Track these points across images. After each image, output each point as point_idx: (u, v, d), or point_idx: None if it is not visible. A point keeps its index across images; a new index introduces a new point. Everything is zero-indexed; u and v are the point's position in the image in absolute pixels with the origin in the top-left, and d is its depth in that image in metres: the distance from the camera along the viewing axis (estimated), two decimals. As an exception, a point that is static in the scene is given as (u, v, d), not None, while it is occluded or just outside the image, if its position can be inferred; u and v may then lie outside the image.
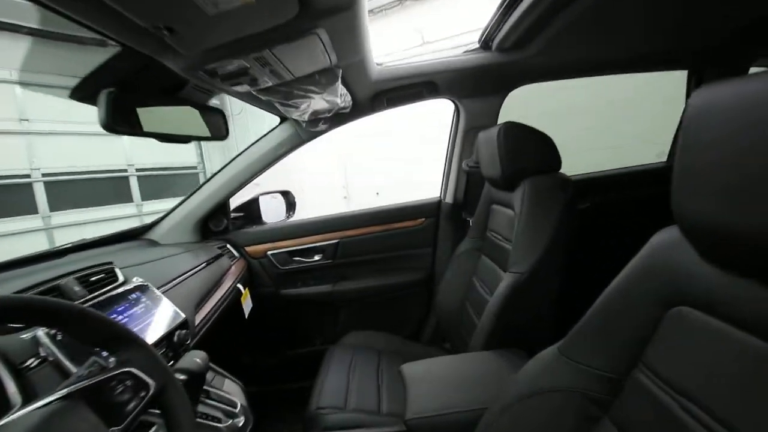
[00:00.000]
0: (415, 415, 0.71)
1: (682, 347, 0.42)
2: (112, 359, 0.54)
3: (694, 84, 1.52)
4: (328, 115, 1.25)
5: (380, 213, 1.63)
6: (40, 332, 0.65)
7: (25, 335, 0.64)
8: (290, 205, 1.82)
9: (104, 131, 0.70)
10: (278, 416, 1.55)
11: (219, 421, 0.83)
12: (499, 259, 1.14)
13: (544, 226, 0.96)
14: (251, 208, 1.71)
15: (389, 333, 1.51)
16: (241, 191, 1.56)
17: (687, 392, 0.40)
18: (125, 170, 5.02)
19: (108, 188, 4.83)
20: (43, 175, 4.12)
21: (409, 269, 1.64)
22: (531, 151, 1.06)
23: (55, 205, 4.21)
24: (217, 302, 1.25)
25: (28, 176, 4.01)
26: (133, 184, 5.14)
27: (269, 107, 1.15)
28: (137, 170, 5.14)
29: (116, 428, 0.48)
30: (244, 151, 1.48)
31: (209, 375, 0.94)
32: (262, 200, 1.70)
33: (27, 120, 4.05)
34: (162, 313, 0.91)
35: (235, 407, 0.89)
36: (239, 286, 1.44)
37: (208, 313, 1.16)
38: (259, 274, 1.61)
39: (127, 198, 5.06)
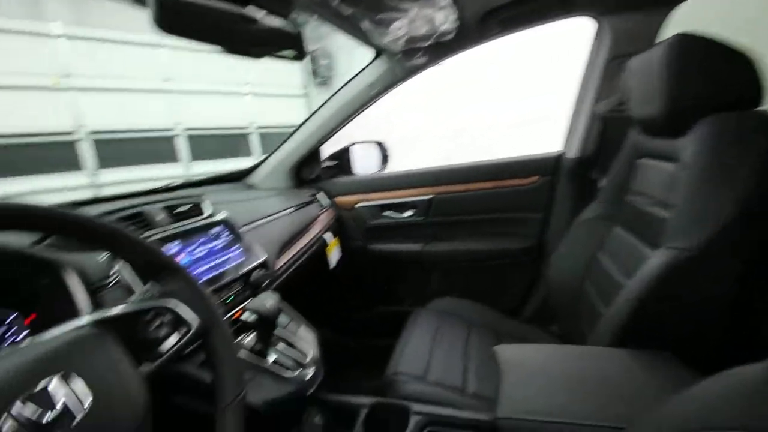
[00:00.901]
0: (512, 415, 0.54)
1: None
2: (154, 290, 0.49)
3: None
4: (427, 44, 1.05)
5: (483, 168, 1.41)
6: (117, 254, 0.64)
7: (102, 255, 0.64)
8: (384, 157, 1.70)
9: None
10: (357, 372, 1.53)
11: (286, 369, 0.77)
12: (643, 230, 0.84)
13: (730, 185, 0.64)
14: (344, 158, 1.64)
15: (483, 304, 1.32)
16: (341, 139, 1.49)
17: None
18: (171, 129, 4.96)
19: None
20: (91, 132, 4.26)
21: (512, 235, 1.40)
22: (716, 75, 0.72)
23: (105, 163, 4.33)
24: (302, 248, 1.21)
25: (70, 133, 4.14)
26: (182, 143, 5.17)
27: (358, 33, 1.00)
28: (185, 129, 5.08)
29: (148, 365, 0.42)
30: (334, 94, 1.38)
31: (284, 320, 0.90)
32: (354, 150, 1.61)
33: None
34: (241, 251, 0.89)
35: (306, 358, 0.83)
36: (326, 235, 1.39)
37: (292, 257, 1.13)
38: (348, 226, 1.55)
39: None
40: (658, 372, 0.58)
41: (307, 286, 1.51)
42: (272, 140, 5.62)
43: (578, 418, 0.51)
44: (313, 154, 1.50)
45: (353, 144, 1.62)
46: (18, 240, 0.57)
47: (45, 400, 0.31)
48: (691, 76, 0.72)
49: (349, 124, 1.41)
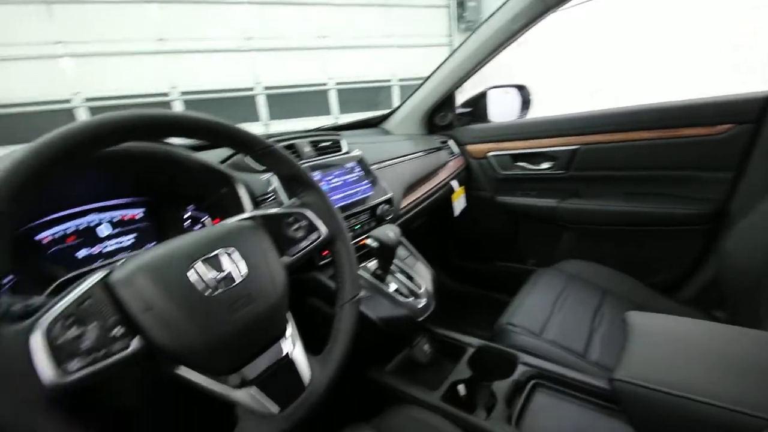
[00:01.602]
0: (632, 378, 0.48)
1: None
2: (295, 200, 0.59)
3: None
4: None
5: (652, 113, 1.15)
6: (273, 177, 0.78)
7: (263, 177, 0.78)
8: (525, 102, 1.55)
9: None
10: (468, 319, 1.54)
11: (401, 295, 0.84)
12: None
13: None
14: (479, 104, 1.55)
15: (628, 275, 1.15)
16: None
17: None
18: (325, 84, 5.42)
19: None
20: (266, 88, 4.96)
21: (682, 198, 1.14)
22: None
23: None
24: (427, 192, 1.24)
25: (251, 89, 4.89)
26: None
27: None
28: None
29: (287, 257, 0.52)
30: (472, 34, 1.29)
31: (403, 253, 0.96)
32: (491, 94, 1.51)
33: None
34: (370, 186, 0.96)
35: (420, 289, 0.88)
36: (453, 182, 1.39)
37: (416, 199, 1.18)
38: (477, 176, 1.51)
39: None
40: None
41: (428, 229, 1.55)
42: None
43: (710, 397, 0.42)
44: (446, 100, 1.47)
45: (490, 88, 1.52)
46: (209, 157, 0.74)
47: (216, 264, 0.42)
48: None
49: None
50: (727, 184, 1.07)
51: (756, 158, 1.01)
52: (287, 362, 0.46)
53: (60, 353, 0.32)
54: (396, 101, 5.89)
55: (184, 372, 0.39)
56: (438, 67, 1.40)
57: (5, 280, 0.54)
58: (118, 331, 0.35)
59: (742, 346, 0.51)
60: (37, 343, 0.31)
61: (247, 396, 0.41)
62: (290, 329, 0.49)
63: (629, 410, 0.48)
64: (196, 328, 0.38)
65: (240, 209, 0.68)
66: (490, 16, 1.23)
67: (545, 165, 1.35)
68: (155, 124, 0.42)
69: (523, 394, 0.73)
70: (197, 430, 0.59)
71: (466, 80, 1.36)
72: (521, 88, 1.55)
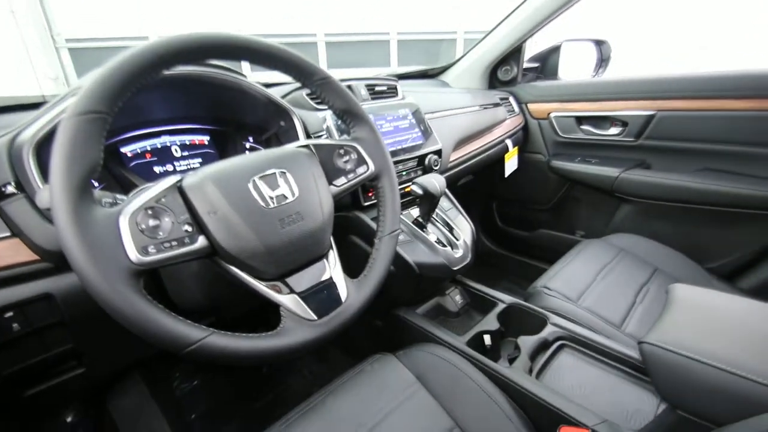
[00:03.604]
0: (661, 342, 0.47)
1: None
2: (347, 135, 0.61)
3: None
4: None
5: (744, 80, 1.01)
6: (328, 113, 0.80)
7: (319, 114, 0.81)
8: (603, 60, 1.42)
9: None
10: (507, 281, 1.54)
11: (440, 244, 0.86)
12: None
13: None
14: (549, 59, 1.44)
15: (686, 255, 1.08)
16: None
17: None
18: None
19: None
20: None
21: (761, 180, 1.02)
22: None
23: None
24: (479, 149, 1.21)
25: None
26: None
27: None
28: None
29: (335, 187, 0.55)
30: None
31: (446, 204, 0.97)
32: (565, 48, 1.39)
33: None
34: (421, 135, 0.96)
35: (458, 241, 0.89)
36: (508, 141, 1.34)
37: (466, 155, 1.16)
38: (534, 137, 1.43)
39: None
40: None
41: (475, 188, 1.53)
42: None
43: (743, 370, 0.41)
44: (513, 53, 1.38)
45: (565, 41, 1.39)
46: (274, 92, 0.78)
47: (270, 182, 0.47)
48: None
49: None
50: None
51: None
52: (329, 280, 0.50)
53: (141, 237, 0.38)
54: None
55: (238, 273, 0.45)
56: (506, 17, 1.30)
57: (97, 186, 0.63)
58: (188, 227, 0.41)
59: None
60: (124, 224, 0.37)
61: (290, 301, 0.46)
62: (333, 253, 0.53)
63: (655, 374, 0.48)
64: (252, 234, 0.43)
65: (296, 140, 0.72)
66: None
67: (613, 131, 1.25)
68: (229, 45, 0.45)
69: (549, 351, 0.74)
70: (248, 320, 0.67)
71: (537, 31, 1.26)
72: (600, 43, 1.41)
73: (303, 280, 0.48)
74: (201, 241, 0.42)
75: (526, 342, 0.75)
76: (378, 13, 5.04)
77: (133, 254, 0.37)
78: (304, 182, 0.49)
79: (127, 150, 0.68)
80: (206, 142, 0.77)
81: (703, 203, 1.10)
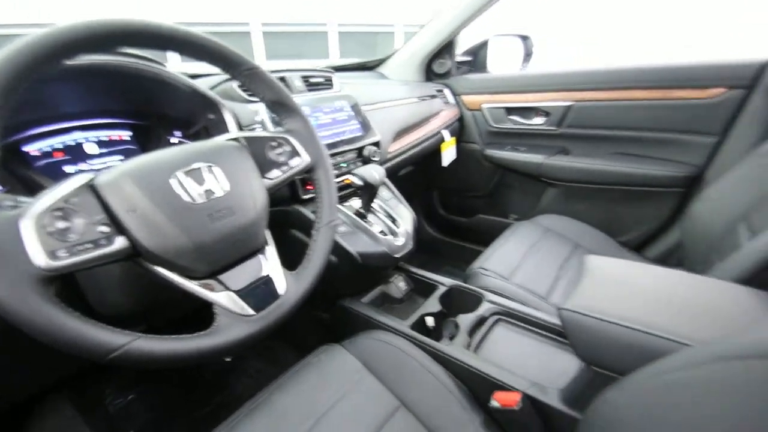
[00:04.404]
0: (576, 308, 0.53)
1: None
2: (279, 127, 0.60)
3: None
4: None
5: (648, 73, 1.14)
6: (261, 105, 0.78)
7: (251, 106, 0.78)
8: (527, 54, 1.52)
9: None
10: (449, 265, 1.62)
11: (381, 233, 0.88)
12: None
13: None
14: (479, 53, 1.51)
15: (601, 231, 1.20)
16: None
17: None
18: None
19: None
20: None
21: (665, 161, 1.17)
22: None
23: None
24: (417, 140, 1.25)
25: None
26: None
27: None
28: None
29: (268, 180, 0.54)
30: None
31: (386, 194, 0.99)
32: (492, 43, 1.47)
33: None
34: (360, 127, 0.97)
35: (399, 229, 0.92)
36: (445, 132, 1.39)
37: (405, 145, 1.19)
38: (469, 127, 1.50)
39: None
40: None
41: (415, 177, 1.57)
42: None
43: (645, 328, 0.47)
44: (446, 47, 1.43)
45: (492, 36, 1.47)
46: (200, 83, 0.74)
47: (196, 176, 0.45)
48: None
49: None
50: (708, 150, 1.09)
51: (740, 125, 1.03)
52: (266, 276, 0.50)
53: (50, 240, 0.35)
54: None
55: (165, 273, 0.43)
56: (439, 11, 1.35)
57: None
58: (104, 228, 0.38)
59: (681, 287, 0.57)
60: (27, 228, 0.34)
61: (225, 298, 0.45)
62: (269, 248, 0.52)
63: (572, 336, 0.54)
64: (178, 231, 0.41)
65: (225, 128, 0.69)
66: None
67: (538, 120, 1.35)
68: (142, 33, 0.42)
69: (485, 326, 0.79)
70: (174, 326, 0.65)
71: (465, 26, 1.32)
72: (525, 38, 1.51)
73: (238, 276, 0.47)
74: (120, 242, 0.39)
75: (465, 320, 0.79)
76: (317, 4, 4.94)
77: (41, 259, 0.34)
78: (234, 176, 0.48)
79: (30, 149, 0.61)
80: (128, 138, 0.71)
81: (615, 184, 1.24)
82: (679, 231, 1.14)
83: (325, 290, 0.65)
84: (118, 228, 0.39)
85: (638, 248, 1.26)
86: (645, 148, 1.20)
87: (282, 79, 0.89)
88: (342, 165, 0.90)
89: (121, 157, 0.70)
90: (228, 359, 0.71)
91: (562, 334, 0.74)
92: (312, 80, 0.96)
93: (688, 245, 1.01)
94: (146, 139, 0.73)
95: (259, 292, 0.48)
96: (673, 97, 1.11)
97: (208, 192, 0.45)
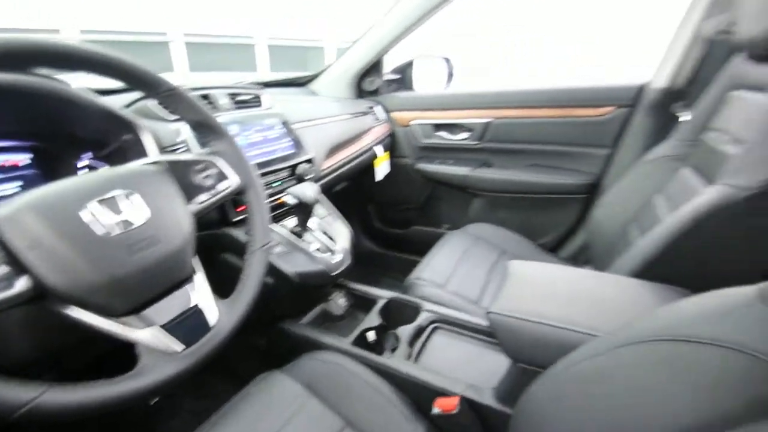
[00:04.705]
0: (501, 310, 0.58)
1: None
2: (206, 148, 0.58)
3: None
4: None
5: (552, 93, 1.29)
6: (183, 125, 0.74)
7: (173, 126, 0.74)
8: (449, 74, 1.62)
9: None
10: (387, 277, 1.65)
11: (318, 251, 0.87)
12: (708, 168, 0.76)
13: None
14: (406, 72, 1.59)
15: (522, 236, 1.32)
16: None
17: None
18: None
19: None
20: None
21: (570, 171, 1.32)
22: None
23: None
24: (350, 156, 1.27)
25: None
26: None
27: None
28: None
29: (195, 204, 0.52)
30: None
31: (322, 212, 0.99)
32: (416, 64, 1.56)
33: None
34: (292, 144, 0.96)
35: (336, 246, 0.92)
36: (377, 148, 1.43)
37: (339, 162, 1.20)
38: (401, 143, 1.57)
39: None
40: (663, 302, 0.57)
41: (351, 193, 1.60)
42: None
43: (560, 323, 0.54)
44: (375, 65, 1.48)
45: (416, 57, 1.56)
46: (112, 101, 0.69)
47: (112, 206, 0.42)
48: None
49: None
50: (603, 160, 1.25)
51: (627, 138, 1.20)
52: (193, 307, 0.47)
53: None
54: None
55: (77, 313, 0.39)
56: (368, 30, 1.40)
57: None
58: (2, 269, 0.34)
59: (594, 285, 0.65)
60: None
61: (149, 335, 0.42)
62: (198, 275, 0.50)
63: (500, 336, 0.58)
64: (90, 268, 0.38)
65: (144, 153, 0.65)
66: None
67: (462, 135, 1.45)
68: (48, 52, 0.39)
69: (424, 335, 0.83)
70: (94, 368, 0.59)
71: (392, 47, 1.39)
72: (447, 60, 1.62)
73: (164, 309, 0.44)
74: (21, 284, 0.35)
75: (405, 331, 0.82)
76: (244, 16, 4.79)
77: None
78: (156, 203, 0.45)
79: None
80: (27, 162, 0.63)
81: (531, 192, 1.37)
82: (585, 233, 1.30)
83: (261, 314, 0.63)
84: (19, 267, 0.35)
85: (553, 249, 1.40)
86: (554, 160, 1.35)
87: (206, 97, 0.85)
88: (275, 184, 0.89)
89: (20, 184, 0.62)
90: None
91: (493, 335, 0.80)
92: (239, 98, 0.93)
93: (592, 245, 1.15)
94: (49, 163, 0.65)
95: (189, 325, 0.45)
96: (573, 115, 1.27)
97: (126, 222, 0.42)
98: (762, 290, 0.33)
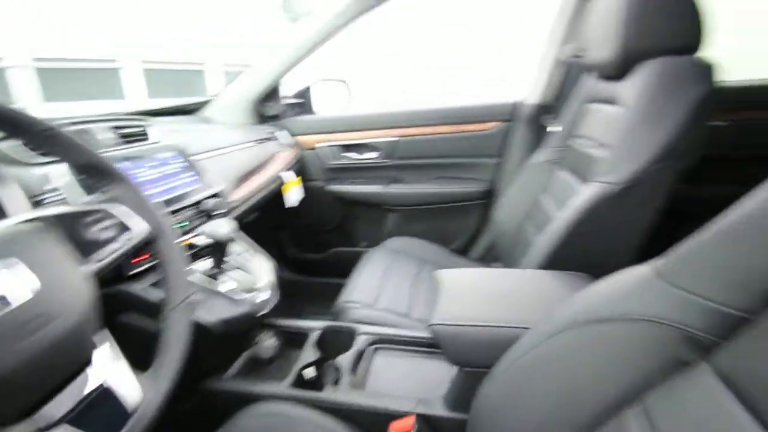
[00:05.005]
0: (442, 320, 0.60)
1: None
2: (98, 195, 0.49)
3: None
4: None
5: (446, 112, 1.42)
6: (56, 167, 0.62)
7: (38, 171, 0.61)
8: (347, 96, 1.67)
9: None
10: (313, 305, 1.60)
11: (239, 292, 0.80)
12: (581, 169, 0.91)
13: (662, 125, 0.70)
14: (307, 96, 1.59)
15: (436, 244, 1.40)
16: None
17: None
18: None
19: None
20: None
21: (469, 180, 1.46)
22: (667, 19, 0.75)
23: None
24: (260, 184, 1.21)
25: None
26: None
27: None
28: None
29: (93, 264, 0.43)
30: (298, 25, 1.31)
31: (239, 248, 0.91)
32: (315, 87, 1.56)
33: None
34: (195, 179, 0.87)
35: (259, 283, 0.86)
36: (286, 174, 1.39)
37: (249, 192, 1.13)
38: (309, 167, 1.55)
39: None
40: (571, 288, 0.66)
41: (264, 222, 1.52)
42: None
43: (496, 322, 0.58)
44: (274, 90, 1.45)
45: (315, 81, 1.57)
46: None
47: None
48: (646, 19, 0.75)
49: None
50: (494, 168, 1.41)
51: (511, 147, 1.38)
52: (104, 390, 0.39)
53: None
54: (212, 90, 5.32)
55: None
56: (266, 55, 1.36)
57: None
58: None
59: (514, 282, 0.72)
60: None
61: None
62: (105, 348, 0.41)
63: (443, 345, 0.61)
64: None
65: (2, 213, 0.52)
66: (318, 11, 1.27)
67: (372, 154, 1.50)
68: None
69: (365, 359, 0.81)
70: None
71: (289, 71, 1.37)
72: (344, 83, 1.66)
73: (65, 400, 0.36)
74: None
75: (345, 359, 0.79)
76: (104, 36, 4.22)
77: None
78: (44, 270, 0.36)
79: None
80: None
81: (439, 203, 1.47)
82: (490, 233, 1.44)
83: (181, 376, 0.55)
84: None
85: (464, 252, 1.51)
86: (454, 171, 1.48)
87: (84, 132, 0.73)
88: (182, 224, 0.79)
89: None
90: None
91: (432, 345, 0.82)
92: (124, 131, 0.82)
93: (497, 244, 1.28)
94: None
95: (103, 415, 0.37)
96: (465, 130, 1.41)
97: (3, 301, 0.33)
98: (655, 267, 0.40)
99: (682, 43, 0.75)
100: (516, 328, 0.57)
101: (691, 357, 0.35)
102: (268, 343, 0.89)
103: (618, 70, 0.81)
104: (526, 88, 1.34)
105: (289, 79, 1.45)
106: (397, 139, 1.46)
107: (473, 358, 0.60)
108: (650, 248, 0.64)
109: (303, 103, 1.61)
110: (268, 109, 1.49)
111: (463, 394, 0.64)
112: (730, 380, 0.31)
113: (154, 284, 0.69)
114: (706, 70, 0.72)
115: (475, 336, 0.59)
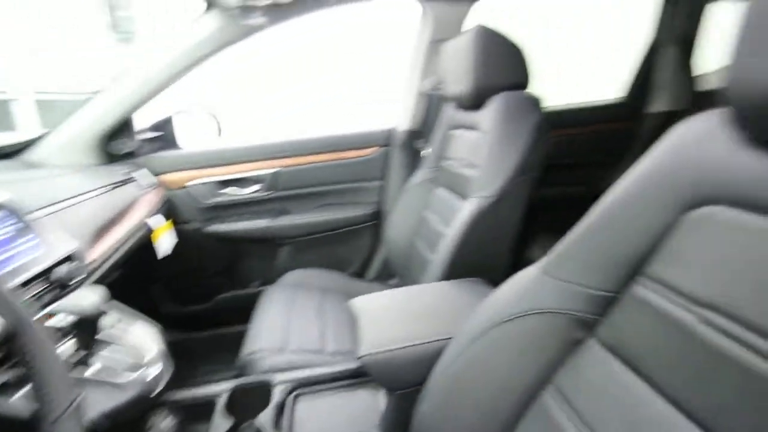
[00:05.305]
0: (371, 350, 0.61)
1: (706, 252, 0.34)
2: None
3: None
4: (266, 3, 1.01)
5: (325, 140, 1.45)
6: None
7: None
8: (218, 128, 1.55)
9: None
10: (211, 364, 1.41)
11: (121, 374, 0.66)
12: (457, 187, 1.04)
13: (515, 146, 0.86)
14: (168, 129, 1.41)
15: (332, 271, 1.40)
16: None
17: (706, 301, 0.33)
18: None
19: None
20: None
21: (356, 204, 1.51)
22: (505, 62, 0.93)
23: None
24: (123, 237, 1.02)
25: None
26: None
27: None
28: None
29: None
30: (152, 52, 1.17)
31: (111, 320, 0.75)
32: (177, 120, 1.40)
33: None
34: (37, 243, 0.69)
35: (145, 357, 0.72)
36: (153, 219, 1.20)
37: (110, 248, 0.94)
38: (181, 208, 1.37)
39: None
40: (474, 294, 0.76)
41: (136, 280, 1.29)
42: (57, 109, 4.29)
43: (421, 339, 0.62)
44: (126, 124, 1.25)
45: (177, 113, 1.41)
46: None
47: None
48: (491, 60, 0.92)
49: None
50: (379, 190, 1.50)
51: (391, 170, 1.48)
52: None
53: None
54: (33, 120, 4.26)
55: None
56: (110, 84, 1.17)
57: None
58: None
59: (424, 297, 0.77)
60: None
61: None
62: None
63: (376, 374, 0.61)
64: None
65: None
66: (175, 36, 1.16)
67: (255, 187, 1.42)
68: None
69: (287, 411, 0.76)
70: None
71: (147, 101, 1.21)
72: (211, 113, 1.53)
73: None
74: None
75: (264, 417, 0.73)
76: None
77: None
78: None
79: None
80: None
81: (330, 230, 1.48)
82: (383, 252, 1.51)
83: None
84: None
85: (361, 274, 1.55)
86: (341, 197, 1.51)
87: None
88: (30, 302, 0.61)
89: None
90: None
91: (355, 375, 0.82)
92: None
93: (392, 261, 1.35)
94: None
95: None
96: (346, 157, 1.46)
97: None
98: (542, 265, 0.49)
99: (517, 80, 0.94)
100: (440, 340, 0.61)
101: (582, 335, 0.45)
102: (162, 425, 0.75)
103: (474, 102, 0.96)
104: (398, 115, 1.47)
105: (142, 110, 1.28)
106: (278, 169, 1.42)
107: (407, 379, 0.63)
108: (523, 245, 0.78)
109: (164, 137, 1.43)
110: (120, 146, 1.28)
111: (398, 418, 0.65)
112: (614, 348, 0.41)
113: (19, 394, 0.51)
114: (536, 101, 0.92)
115: (405, 357, 0.61)
